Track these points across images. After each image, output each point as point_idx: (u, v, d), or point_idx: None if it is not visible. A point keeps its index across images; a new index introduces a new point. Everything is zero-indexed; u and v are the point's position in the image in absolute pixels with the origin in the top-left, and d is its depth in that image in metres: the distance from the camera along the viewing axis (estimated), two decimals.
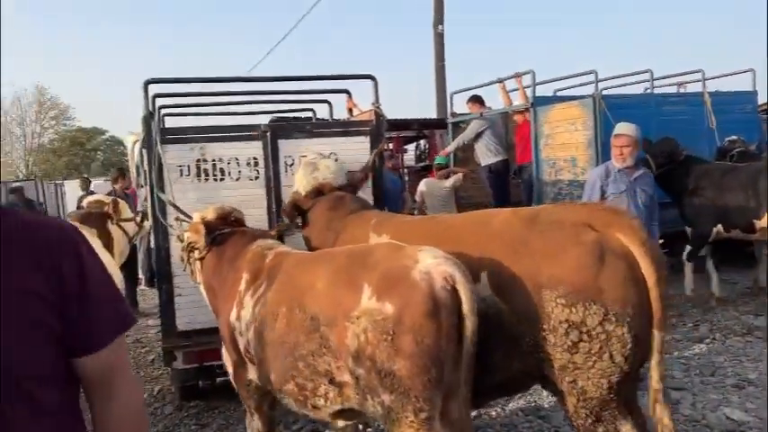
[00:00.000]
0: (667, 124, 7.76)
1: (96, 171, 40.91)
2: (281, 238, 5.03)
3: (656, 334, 2.59)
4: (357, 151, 4.98)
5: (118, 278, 5.31)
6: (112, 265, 5.25)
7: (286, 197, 4.76)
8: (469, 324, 2.53)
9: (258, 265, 3.38)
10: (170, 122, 6.71)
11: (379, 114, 5.09)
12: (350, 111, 6.43)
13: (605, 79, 8.87)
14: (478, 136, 9.10)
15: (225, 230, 3.77)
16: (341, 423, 3.28)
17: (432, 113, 15.57)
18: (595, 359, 2.57)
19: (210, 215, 3.85)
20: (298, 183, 4.39)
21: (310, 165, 4.34)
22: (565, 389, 2.70)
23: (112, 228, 5.44)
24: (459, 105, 10.25)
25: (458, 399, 2.60)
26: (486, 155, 9.19)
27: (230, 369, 3.54)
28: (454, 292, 2.54)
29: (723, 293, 7.51)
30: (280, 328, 2.94)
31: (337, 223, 3.85)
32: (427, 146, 15.07)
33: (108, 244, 5.36)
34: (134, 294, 8.84)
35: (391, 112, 5.57)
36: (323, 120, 6.57)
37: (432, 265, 2.58)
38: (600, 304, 2.55)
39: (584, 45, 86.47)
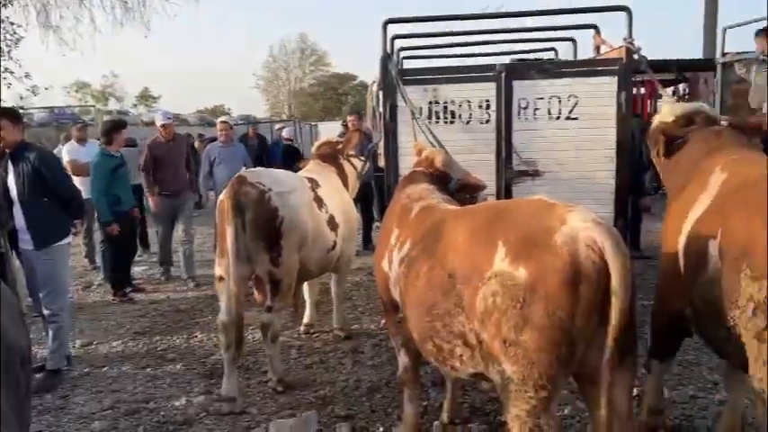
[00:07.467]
0: None
1: (346, 114, 44.35)
2: (508, 186, 4.87)
3: None
4: (602, 93, 4.47)
5: (354, 215, 5.58)
6: (350, 202, 5.52)
7: (517, 141, 4.50)
8: (617, 303, 2.16)
9: (404, 220, 3.32)
10: (407, 65, 6.75)
11: (631, 51, 4.47)
12: (597, 49, 5.80)
13: None
14: None
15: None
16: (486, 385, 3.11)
17: (696, 54, 13.62)
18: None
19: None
20: (665, 112, 3.80)
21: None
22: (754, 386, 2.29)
23: (345, 163, 5.67)
24: (733, 43, 8.67)
25: (600, 386, 2.29)
26: None
27: (382, 306, 3.57)
28: (602, 263, 2.19)
29: None
30: (420, 286, 2.84)
31: (701, 157, 3.26)
32: (687, 91, 13.28)
33: (345, 181, 5.62)
34: (369, 231, 9.31)
35: (645, 52, 4.86)
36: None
37: (579, 228, 2.25)
38: None
39: None
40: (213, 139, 10.85)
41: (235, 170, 6.02)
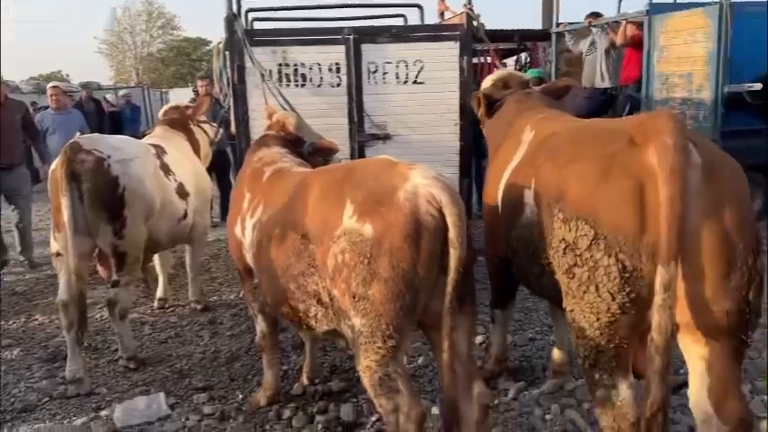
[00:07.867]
0: None
1: None
2: (361, 148, 4.95)
3: (660, 269, 2.07)
4: (446, 57, 4.65)
5: (207, 183, 5.39)
6: (202, 170, 5.29)
7: (368, 105, 4.57)
8: (455, 253, 2.34)
9: (256, 185, 3.31)
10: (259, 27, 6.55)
11: (471, 17, 4.69)
12: (441, 15, 6.01)
13: None
14: (608, 51, 8.10)
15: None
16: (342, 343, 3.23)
17: (538, 24, 14.49)
18: (584, 289, 2.31)
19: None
20: (486, 78, 4.13)
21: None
22: (567, 318, 2.48)
23: (195, 129, 5.45)
24: (569, 14, 9.35)
25: (443, 330, 2.40)
26: (604, 76, 8.21)
27: (239, 274, 3.59)
28: (441, 216, 2.36)
29: None
30: (275, 250, 2.88)
31: (514, 116, 3.56)
32: (528, 59, 14.16)
33: (196, 148, 5.39)
34: (227, 201, 8.98)
35: (491, 23, 5.14)
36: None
37: (420, 185, 2.39)
38: (591, 225, 2.25)
39: None
40: (47, 108, 9.82)
41: (70, 138, 5.50)
